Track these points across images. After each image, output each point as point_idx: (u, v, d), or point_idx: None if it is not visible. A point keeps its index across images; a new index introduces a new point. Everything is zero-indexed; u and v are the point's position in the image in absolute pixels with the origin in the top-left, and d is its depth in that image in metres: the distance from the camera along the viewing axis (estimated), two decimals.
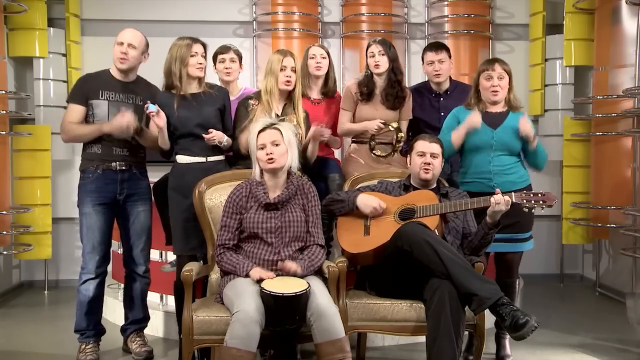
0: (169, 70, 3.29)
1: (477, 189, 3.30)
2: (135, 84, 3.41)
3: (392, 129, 3.69)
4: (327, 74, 3.85)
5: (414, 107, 3.82)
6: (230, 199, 2.95)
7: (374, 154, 3.74)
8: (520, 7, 5.46)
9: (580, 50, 5.10)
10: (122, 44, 3.31)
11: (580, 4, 4.96)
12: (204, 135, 3.22)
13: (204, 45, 3.32)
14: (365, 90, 3.73)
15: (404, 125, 3.80)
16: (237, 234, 2.92)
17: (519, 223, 3.29)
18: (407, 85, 5.18)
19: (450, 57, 3.84)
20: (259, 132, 2.91)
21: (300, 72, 3.40)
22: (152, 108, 3.16)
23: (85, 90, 3.34)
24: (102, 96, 3.31)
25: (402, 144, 3.74)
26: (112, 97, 3.33)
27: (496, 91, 3.33)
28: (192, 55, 3.26)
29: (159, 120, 3.18)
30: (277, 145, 2.89)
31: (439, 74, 3.80)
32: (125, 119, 3.21)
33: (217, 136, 3.24)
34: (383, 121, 3.67)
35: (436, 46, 3.85)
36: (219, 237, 2.94)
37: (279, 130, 2.92)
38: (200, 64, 3.28)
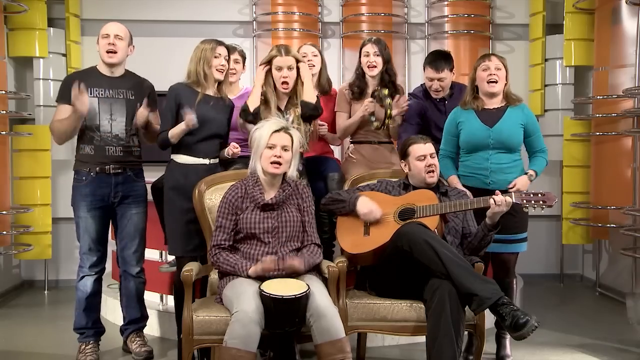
0: (194, 71, 3.27)
1: (473, 184, 3.32)
2: (124, 79, 3.39)
3: (383, 96, 3.59)
4: (320, 72, 3.86)
5: (421, 109, 3.79)
6: (225, 200, 2.94)
7: (376, 128, 3.70)
8: (520, 7, 5.46)
9: (580, 50, 5.10)
10: (108, 36, 3.29)
11: (580, 4, 4.96)
12: (232, 150, 3.23)
13: (228, 48, 3.33)
14: (357, 89, 3.74)
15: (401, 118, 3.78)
16: (233, 235, 2.92)
17: (516, 224, 3.29)
18: (406, 86, 5.23)
19: (452, 69, 3.70)
20: (273, 131, 2.89)
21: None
22: (194, 118, 3.13)
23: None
24: (91, 94, 3.28)
25: (392, 110, 3.62)
26: (102, 94, 3.30)
27: (494, 81, 3.31)
28: (215, 57, 3.26)
29: (196, 124, 3.17)
30: (286, 150, 2.89)
31: (438, 92, 3.71)
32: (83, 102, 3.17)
33: (238, 150, 3.26)
34: (371, 99, 3.64)
35: (436, 63, 3.65)
36: (213, 237, 2.93)
37: (291, 136, 2.92)
38: (222, 65, 3.28)
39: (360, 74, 3.79)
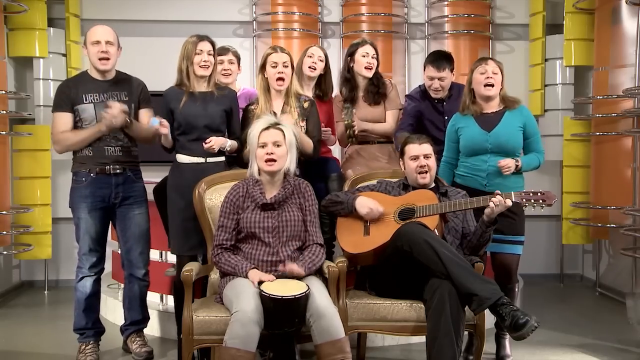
0: (179, 68, 3.29)
1: (470, 185, 3.32)
2: (117, 80, 3.37)
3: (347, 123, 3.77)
4: (324, 77, 3.81)
5: (417, 111, 3.80)
6: (227, 199, 2.94)
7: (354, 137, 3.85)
8: (520, 7, 5.46)
9: (580, 50, 5.10)
10: (98, 42, 3.26)
11: (580, 4, 4.96)
12: (203, 143, 3.21)
13: (212, 43, 3.31)
14: (348, 96, 3.76)
15: (391, 115, 3.84)
16: (235, 234, 2.92)
17: (512, 225, 3.29)
18: (406, 86, 5.23)
19: (452, 69, 3.72)
20: (262, 130, 2.90)
21: (295, 69, 3.42)
22: (154, 123, 3.14)
23: (69, 96, 3.29)
24: (86, 100, 3.28)
25: (351, 138, 3.82)
26: (97, 99, 3.28)
27: (490, 84, 3.31)
28: (197, 54, 3.25)
29: (164, 130, 3.18)
30: (278, 146, 2.89)
31: (438, 91, 3.72)
32: (115, 109, 3.17)
33: (216, 144, 3.22)
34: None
35: (438, 62, 3.67)
36: (216, 237, 2.93)
37: (282, 130, 2.91)
38: (205, 61, 3.26)
39: (349, 78, 3.80)
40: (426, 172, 3.12)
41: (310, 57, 3.75)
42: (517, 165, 3.27)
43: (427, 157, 3.13)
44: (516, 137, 3.34)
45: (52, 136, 3.38)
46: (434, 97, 3.75)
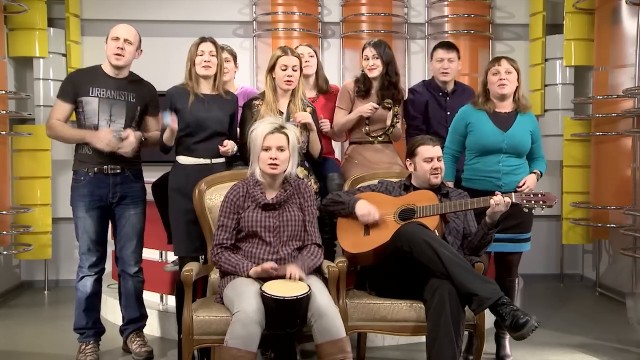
0: (186, 72, 3.33)
1: (483, 187, 3.31)
2: (128, 81, 3.38)
3: (387, 106, 3.65)
4: (317, 73, 3.87)
5: (422, 103, 3.82)
6: (227, 199, 2.94)
7: (370, 136, 3.73)
8: (520, 7, 5.47)
9: (580, 50, 5.11)
10: (117, 39, 3.28)
11: (580, 4, 4.96)
12: (220, 147, 3.23)
13: (215, 44, 3.32)
14: (363, 87, 3.75)
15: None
16: (235, 234, 2.92)
17: (521, 223, 3.31)
18: (406, 86, 5.22)
19: (459, 58, 3.85)
20: (267, 134, 2.89)
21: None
22: (167, 121, 3.11)
23: (75, 86, 3.30)
24: (92, 93, 3.28)
25: (397, 120, 3.70)
26: (103, 94, 3.28)
27: (504, 84, 3.32)
28: (198, 55, 3.28)
29: (174, 127, 3.16)
30: (282, 150, 2.89)
31: (446, 72, 3.80)
32: (104, 140, 3.19)
33: (230, 147, 3.25)
34: (375, 105, 3.64)
35: (447, 45, 3.86)
36: (216, 236, 2.93)
37: (286, 135, 2.91)
38: (207, 61, 3.27)
39: (365, 74, 3.81)
40: (439, 173, 3.13)
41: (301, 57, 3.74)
42: (537, 178, 3.40)
43: (440, 160, 3.15)
44: (528, 140, 3.37)
45: (47, 120, 3.38)
46: (441, 80, 3.81)
